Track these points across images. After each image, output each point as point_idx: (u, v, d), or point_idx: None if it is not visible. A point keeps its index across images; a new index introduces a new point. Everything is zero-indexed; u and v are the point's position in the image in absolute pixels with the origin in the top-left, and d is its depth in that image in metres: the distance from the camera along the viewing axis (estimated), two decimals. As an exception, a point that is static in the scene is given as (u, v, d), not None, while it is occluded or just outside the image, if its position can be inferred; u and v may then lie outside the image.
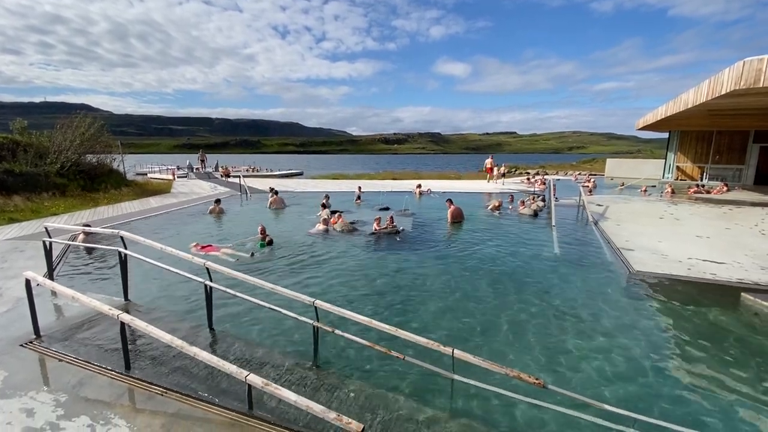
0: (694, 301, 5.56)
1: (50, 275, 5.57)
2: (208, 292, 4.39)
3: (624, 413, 2.62)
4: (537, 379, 2.73)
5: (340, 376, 3.70)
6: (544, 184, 20.96)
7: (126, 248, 5.02)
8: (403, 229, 9.91)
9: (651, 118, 16.40)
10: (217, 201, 13.06)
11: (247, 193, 17.86)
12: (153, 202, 15.22)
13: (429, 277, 6.59)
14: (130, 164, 29.83)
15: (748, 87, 7.68)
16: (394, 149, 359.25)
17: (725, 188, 16.69)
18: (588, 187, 19.75)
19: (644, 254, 7.59)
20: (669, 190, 17.20)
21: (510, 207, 13.85)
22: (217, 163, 34.02)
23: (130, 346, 3.69)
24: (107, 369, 3.57)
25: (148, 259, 4.83)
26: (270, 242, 8.46)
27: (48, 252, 5.49)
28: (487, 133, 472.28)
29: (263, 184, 21.37)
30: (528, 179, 26.55)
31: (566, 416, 2.91)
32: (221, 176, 27.20)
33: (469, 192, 19.33)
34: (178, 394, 3.24)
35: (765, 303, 5.25)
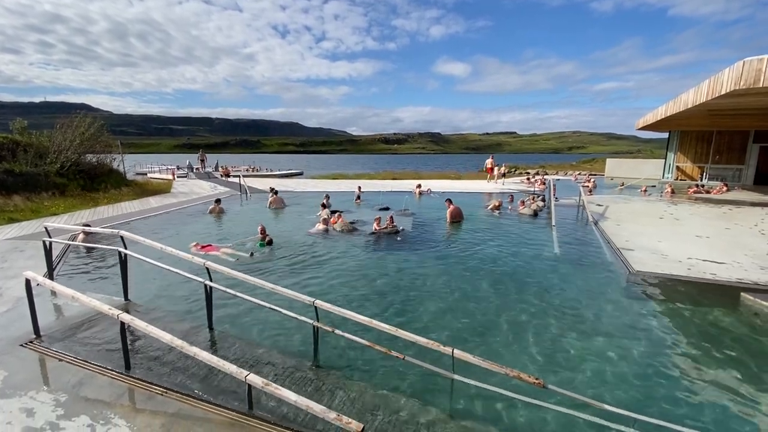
0: (693, 301, 5.56)
1: (50, 275, 5.57)
2: (208, 292, 4.39)
3: (624, 413, 2.62)
4: (537, 379, 2.73)
5: (340, 376, 3.70)
6: (544, 184, 20.96)
7: (126, 248, 5.03)
8: (403, 229, 9.91)
9: (651, 118, 16.41)
10: (217, 201, 13.07)
11: (247, 193, 17.86)
12: (153, 201, 15.22)
13: (429, 277, 6.59)
14: (130, 164, 29.80)
15: (748, 87, 7.69)
16: (394, 149, 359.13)
17: (725, 188, 16.70)
18: (588, 187, 19.74)
19: (644, 254, 7.59)
20: (669, 190, 17.20)
21: (510, 207, 13.86)
22: (217, 163, 33.96)
23: (130, 346, 3.69)
24: (107, 369, 3.57)
25: (148, 259, 4.83)
26: (270, 242, 8.46)
27: (48, 252, 5.50)
28: (487, 133, 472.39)
29: (263, 184, 21.38)
30: (528, 179, 26.55)
31: (566, 416, 2.91)
32: (221, 176, 27.18)
33: (469, 192, 19.33)
34: (178, 394, 3.24)
35: (765, 303, 5.25)
